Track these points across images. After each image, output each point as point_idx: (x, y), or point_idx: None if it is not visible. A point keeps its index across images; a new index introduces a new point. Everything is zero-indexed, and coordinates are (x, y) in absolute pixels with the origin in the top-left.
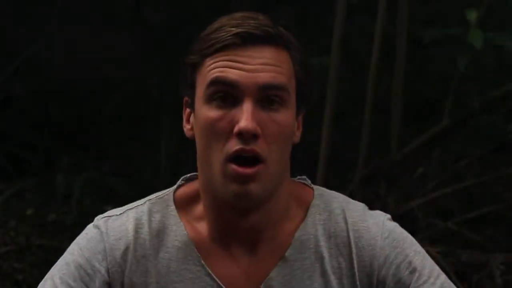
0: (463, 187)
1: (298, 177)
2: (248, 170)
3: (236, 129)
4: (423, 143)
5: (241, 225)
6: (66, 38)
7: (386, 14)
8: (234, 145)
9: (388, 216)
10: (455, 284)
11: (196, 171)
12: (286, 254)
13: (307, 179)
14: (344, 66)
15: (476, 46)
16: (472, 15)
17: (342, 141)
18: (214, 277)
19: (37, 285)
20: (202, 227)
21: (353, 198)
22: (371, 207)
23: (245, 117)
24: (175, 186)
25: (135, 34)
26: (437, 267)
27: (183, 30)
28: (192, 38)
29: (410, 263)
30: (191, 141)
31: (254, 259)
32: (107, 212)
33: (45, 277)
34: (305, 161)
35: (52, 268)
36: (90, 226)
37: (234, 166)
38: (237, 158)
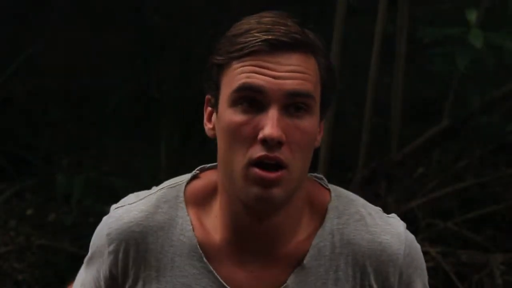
0: (463, 187)
1: (315, 174)
2: (271, 175)
3: (260, 135)
4: (423, 143)
5: (257, 228)
6: (66, 38)
7: (386, 14)
8: (257, 151)
9: (404, 224)
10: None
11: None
12: (305, 261)
13: (323, 178)
14: (344, 66)
15: (476, 46)
16: (472, 15)
17: (342, 141)
18: (216, 275)
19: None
20: (213, 226)
21: None
22: None
23: (270, 124)
24: (189, 176)
25: (135, 34)
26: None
27: (183, 30)
28: (194, 38)
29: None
30: (191, 141)
31: (267, 265)
32: (124, 200)
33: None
34: None
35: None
36: (104, 218)
37: (257, 170)
38: (260, 163)
